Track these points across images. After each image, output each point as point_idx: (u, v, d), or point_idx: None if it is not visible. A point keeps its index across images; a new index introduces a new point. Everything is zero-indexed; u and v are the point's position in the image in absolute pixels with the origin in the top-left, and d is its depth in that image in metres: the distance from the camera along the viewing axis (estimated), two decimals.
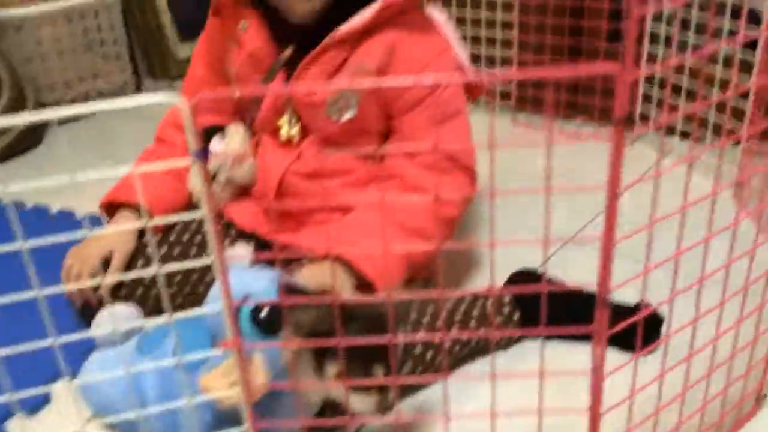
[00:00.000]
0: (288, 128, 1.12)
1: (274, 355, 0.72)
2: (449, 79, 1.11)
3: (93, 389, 0.88)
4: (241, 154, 1.17)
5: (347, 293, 0.91)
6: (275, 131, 1.13)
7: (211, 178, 1.19)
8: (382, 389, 0.74)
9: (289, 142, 1.13)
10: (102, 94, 2.30)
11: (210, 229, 0.54)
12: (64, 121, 2.12)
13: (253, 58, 1.11)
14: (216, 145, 1.16)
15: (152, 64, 2.52)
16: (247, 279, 0.77)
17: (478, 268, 1.29)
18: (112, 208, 1.14)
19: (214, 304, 0.78)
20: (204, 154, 0.89)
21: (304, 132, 1.12)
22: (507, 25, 1.86)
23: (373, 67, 1.04)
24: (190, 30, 2.47)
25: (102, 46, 2.28)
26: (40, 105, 2.15)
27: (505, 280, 1.14)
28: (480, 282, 1.23)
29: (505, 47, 1.89)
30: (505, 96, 1.93)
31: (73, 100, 2.23)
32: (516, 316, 1.06)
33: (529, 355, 1.05)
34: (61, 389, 1.01)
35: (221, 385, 0.69)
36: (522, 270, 1.14)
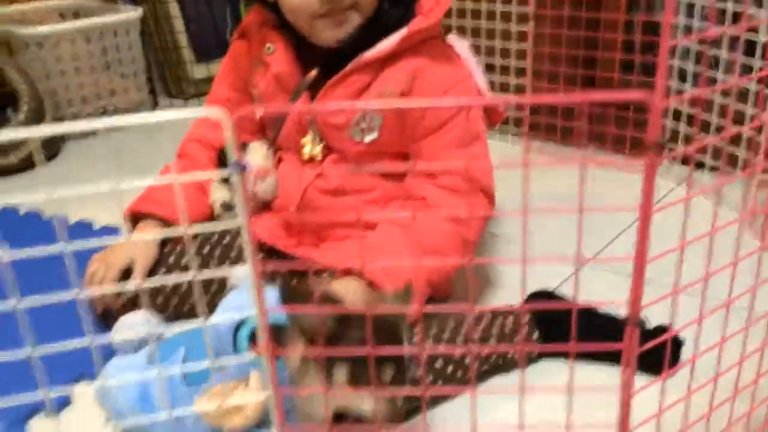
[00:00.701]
0: (311, 147, 1.14)
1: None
2: (470, 102, 1.13)
3: (108, 394, 0.89)
4: (264, 170, 1.19)
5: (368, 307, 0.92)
6: (298, 149, 1.15)
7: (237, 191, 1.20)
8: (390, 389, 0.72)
9: (311, 160, 1.15)
10: (118, 111, 2.33)
11: (246, 239, 0.55)
12: (80, 136, 2.15)
13: (279, 79, 1.14)
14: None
15: (168, 83, 2.56)
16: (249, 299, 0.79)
17: (491, 288, 1.30)
18: (135, 218, 1.16)
19: (224, 314, 0.79)
20: (242, 167, 0.92)
21: (327, 152, 1.14)
22: (521, 54, 1.89)
23: (396, 92, 1.06)
24: (205, 51, 2.52)
25: (120, 65, 2.32)
26: (58, 119, 2.18)
27: (523, 301, 1.15)
28: (494, 302, 1.24)
29: (519, 75, 1.93)
30: (518, 123, 1.96)
31: (90, 116, 2.26)
32: (535, 335, 1.06)
33: (547, 373, 1.05)
34: (82, 392, 1.01)
35: (215, 411, 0.69)
36: (539, 291, 1.15)
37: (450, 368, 0.97)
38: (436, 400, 0.99)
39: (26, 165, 1.97)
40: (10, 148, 1.93)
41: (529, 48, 1.85)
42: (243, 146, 1.21)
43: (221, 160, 1.20)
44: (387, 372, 0.72)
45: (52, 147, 2.13)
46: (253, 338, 0.74)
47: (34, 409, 0.98)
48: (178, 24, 2.48)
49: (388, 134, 1.09)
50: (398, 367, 0.72)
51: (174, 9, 2.46)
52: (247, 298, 0.78)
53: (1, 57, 2.05)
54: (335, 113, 1.09)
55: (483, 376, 1.04)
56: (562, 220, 1.48)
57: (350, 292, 0.92)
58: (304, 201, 1.12)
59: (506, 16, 1.90)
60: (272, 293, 0.79)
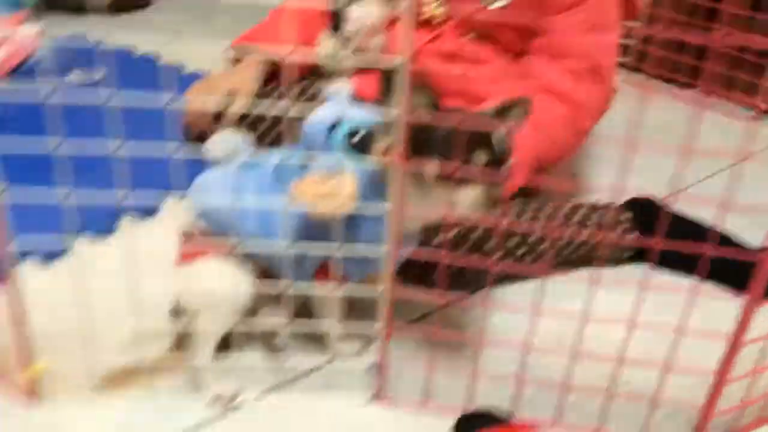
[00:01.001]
0: (433, 7, 1.09)
1: (364, 175, 0.71)
2: None
3: (200, 196, 0.88)
4: (375, 27, 1.15)
5: None
6: (416, 11, 1.10)
7: (343, 42, 1.17)
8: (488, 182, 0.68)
9: (428, 22, 1.10)
10: None
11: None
12: None
13: None
14: (354, 11, 1.14)
15: None
16: (344, 107, 0.78)
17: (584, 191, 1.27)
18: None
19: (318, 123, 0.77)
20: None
21: (447, 17, 1.09)
22: None
23: None
24: None
25: None
26: None
27: (623, 202, 1.11)
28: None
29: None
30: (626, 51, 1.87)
31: None
32: (633, 234, 1.03)
33: (635, 275, 1.02)
34: (169, 203, 1.03)
35: (311, 192, 0.68)
36: (640, 196, 1.11)
37: (542, 246, 0.95)
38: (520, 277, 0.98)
39: (119, 8, 1.96)
40: None
41: None
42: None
43: (334, 20, 1.17)
44: (480, 156, 0.67)
45: None
46: (349, 138, 0.73)
47: (122, 212, 1.01)
48: None
49: (518, 5, 1.03)
50: (491, 152, 0.67)
51: None
52: (339, 107, 0.77)
53: None
54: None
55: (568, 263, 1.01)
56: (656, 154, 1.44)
57: None
58: (416, 63, 1.08)
59: None
60: (361, 105, 0.78)
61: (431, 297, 0.75)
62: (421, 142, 0.66)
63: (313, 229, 0.72)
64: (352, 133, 0.74)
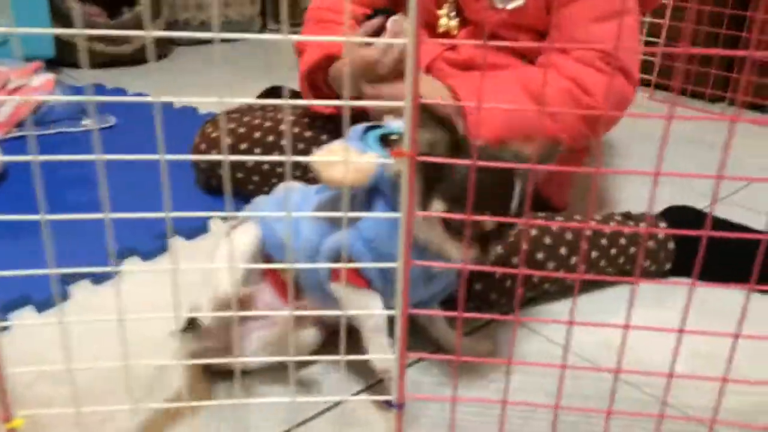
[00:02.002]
0: (447, 20, 1.06)
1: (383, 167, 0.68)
2: None
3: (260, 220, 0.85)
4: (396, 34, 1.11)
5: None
6: (433, 25, 1.07)
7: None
8: (484, 242, 0.64)
9: (446, 35, 1.07)
10: (230, 23, 2.32)
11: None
12: (190, 42, 2.15)
13: None
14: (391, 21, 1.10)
15: (278, 7, 2.54)
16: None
17: (612, 204, 1.20)
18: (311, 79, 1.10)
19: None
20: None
21: (463, 26, 1.05)
22: None
23: None
24: None
25: None
26: (172, 21, 2.19)
27: (659, 212, 1.03)
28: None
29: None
30: (647, 69, 1.82)
31: (203, 23, 2.26)
32: (671, 245, 0.95)
33: (677, 291, 0.94)
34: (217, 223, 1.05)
35: (329, 165, 0.65)
36: (678, 205, 1.04)
37: (574, 259, 0.88)
38: (564, 293, 0.91)
39: (139, 58, 1.99)
40: (123, 39, 1.93)
41: None
42: (371, 17, 1.13)
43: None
44: (487, 222, 0.62)
45: (164, 47, 2.14)
46: (383, 138, 0.72)
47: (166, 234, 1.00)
48: None
49: (532, 4, 0.99)
50: (501, 221, 0.63)
51: None
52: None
53: None
54: None
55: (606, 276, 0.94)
56: (690, 161, 1.39)
57: (427, 86, 0.90)
58: (431, 72, 1.04)
59: None
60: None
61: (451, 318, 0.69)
62: (432, 181, 0.62)
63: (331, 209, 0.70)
64: (385, 136, 0.72)
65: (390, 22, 1.03)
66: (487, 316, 0.65)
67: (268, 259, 0.77)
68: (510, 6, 0.98)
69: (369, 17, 1.11)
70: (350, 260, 0.69)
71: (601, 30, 0.94)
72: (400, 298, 0.60)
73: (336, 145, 0.67)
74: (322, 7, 1.18)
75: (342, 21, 1.12)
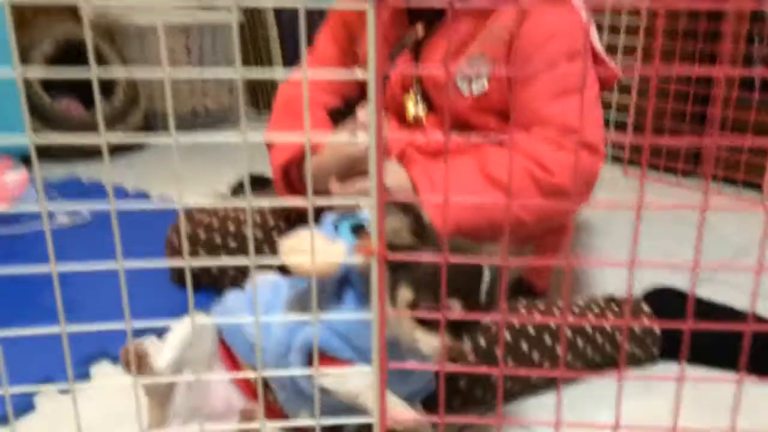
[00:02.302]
0: (414, 108, 1.07)
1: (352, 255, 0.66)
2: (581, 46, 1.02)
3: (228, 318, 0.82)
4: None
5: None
6: (401, 112, 1.08)
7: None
8: (456, 333, 0.62)
9: (416, 122, 1.08)
10: (208, 112, 2.35)
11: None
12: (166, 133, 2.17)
13: (386, 37, 1.08)
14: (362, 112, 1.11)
15: (256, 94, 2.58)
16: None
17: (589, 286, 1.19)
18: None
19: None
20: None
21: (431, 112, 1.07)
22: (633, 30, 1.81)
23: (505, 36, 0.98)
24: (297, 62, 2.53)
25: (215, 67, 2.35)
26: (150, 112, 2.21)
27: (644, 294, 1.02)
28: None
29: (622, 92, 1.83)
30: (617, 146, 1.85)
31: (182, 114, 2.28)
32: (657, 330, 0.93)
33: (664, 375, 0.92)
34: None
35: (300, 246, 0.64)
36: (661, 287, 1.02)
37: (558, 348, 0.85)
38: (551, 385, 0.88)
39: (117, 150, 1.99)
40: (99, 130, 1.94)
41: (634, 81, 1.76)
42: (341, 113, 1.15)
43: (334, 120, 1.14)
44: (455, 306, 0.61)
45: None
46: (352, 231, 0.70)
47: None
48: (273, 33, 2.50)
49: (497, 84, 1.00)
50: (470, 306, 0.61)
51: (271, 18, 2.49)
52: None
53: (104, 44, 2.10)
54: (439, 68, 1.01)
55: (593, 366, 0.91)
56: (671, 238, 1.38)
57: (392, 176, 0.90)
58: (403, 160, 1.04)
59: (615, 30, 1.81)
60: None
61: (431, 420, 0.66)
62: (398, 267, 0.61)
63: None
64: (355, 228, 0.71)
65: (361, 113, 1.03)
66: (468, 419, 0.62)
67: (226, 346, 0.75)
68: (475, 91, 1.00)
69: (341, 112, 1.12)
70: (326, 356, 0.66)
71: (561, 106, 0.95)
72: (377, 406, 0.58)
73: (304, 233, 0.65)
74: (291, 97, 1.19)
75: (313, 112, 1.13)
